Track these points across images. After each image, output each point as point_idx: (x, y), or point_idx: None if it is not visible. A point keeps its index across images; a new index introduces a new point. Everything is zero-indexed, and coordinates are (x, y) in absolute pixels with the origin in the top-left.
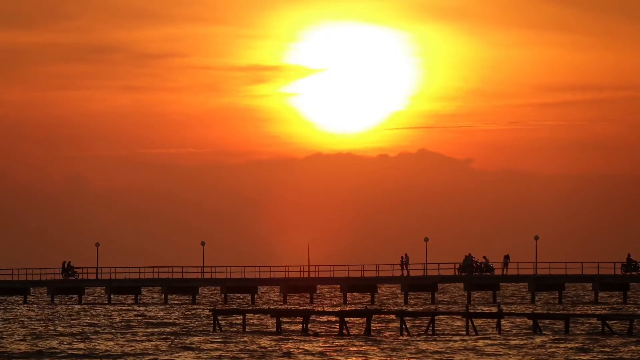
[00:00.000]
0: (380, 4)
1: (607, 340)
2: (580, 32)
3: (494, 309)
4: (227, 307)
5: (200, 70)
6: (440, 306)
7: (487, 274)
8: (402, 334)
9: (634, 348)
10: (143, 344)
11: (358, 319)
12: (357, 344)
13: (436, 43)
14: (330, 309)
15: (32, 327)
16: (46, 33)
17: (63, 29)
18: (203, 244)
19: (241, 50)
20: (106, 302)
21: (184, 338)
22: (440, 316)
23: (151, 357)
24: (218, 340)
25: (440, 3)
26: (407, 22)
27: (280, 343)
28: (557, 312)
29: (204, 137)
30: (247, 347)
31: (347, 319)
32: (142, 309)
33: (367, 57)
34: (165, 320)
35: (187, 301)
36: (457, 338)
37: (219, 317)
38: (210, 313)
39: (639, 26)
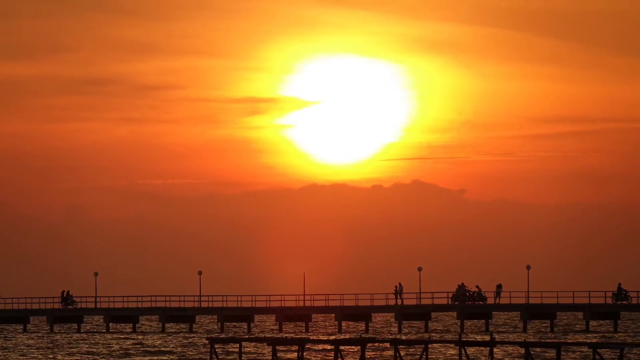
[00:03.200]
0: (374, 37)
1: None
2: (572, 65)
3: (487, 338)
4: (223, 336)
5: (197, 102)
6: (433, 335)
7: (480, 302)
8: None
9: None
10: None
11: (353, 347)
12: None
13: (430, 75)
14: (326, 338)
15: (32, 355)
16: (45, 65)
17: (62, 62)
18: (200, 273)
19: (238, 82)
20: (105, 330)
21: None
22: (434, 344)
23: None
24: None
25: (434, 36)
26: (401, 55)
27: None
28: (549, 341)
29: (201, 168)
30: None
31: (342, 347)
32: (140, 337)
33: (362, 89)
34: (162, 349)
35: (184, 330)
36: None
37: (216, 346)
38: (207, 341)
39: (629, 59)
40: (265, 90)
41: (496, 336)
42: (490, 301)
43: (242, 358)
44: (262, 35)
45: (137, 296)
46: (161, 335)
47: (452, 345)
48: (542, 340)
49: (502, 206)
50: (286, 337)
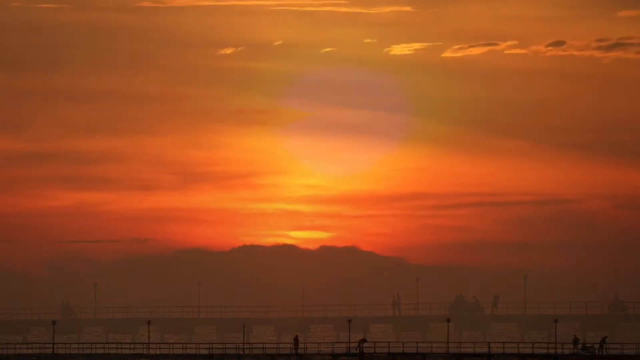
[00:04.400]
0: (370, 50)
1: None
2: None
3: (484, 348)
4: (222, 346)
5: (196, 113)
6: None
7: (477, 313)
8: None
9: None
10: None
11: (351, 358)
12: None
13: (426, 89)
14: (324, 349)
15: None
16: None
17: None
18: (199, 283)
19: (236, 93)
20: (104, 341)
21: None
22: (431, 355)
23: None
24: None
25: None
26: (398, 66)
27: None
28: (546, 351)
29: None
30: None
31: (340, 359)
32: (139, 347)
33: (359, 100)
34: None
35: (183, 340)
36: None
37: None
38: (207, 351)
39: None
40: (264, 102)
41: (493, 347)
42: (487, 312)
43: None
44: (260, 47)
45: (136, 307)
46: (160, 345)
47: (450, 355)
48: (539, 351)
49: (499, 216)
50: (283, 349)
